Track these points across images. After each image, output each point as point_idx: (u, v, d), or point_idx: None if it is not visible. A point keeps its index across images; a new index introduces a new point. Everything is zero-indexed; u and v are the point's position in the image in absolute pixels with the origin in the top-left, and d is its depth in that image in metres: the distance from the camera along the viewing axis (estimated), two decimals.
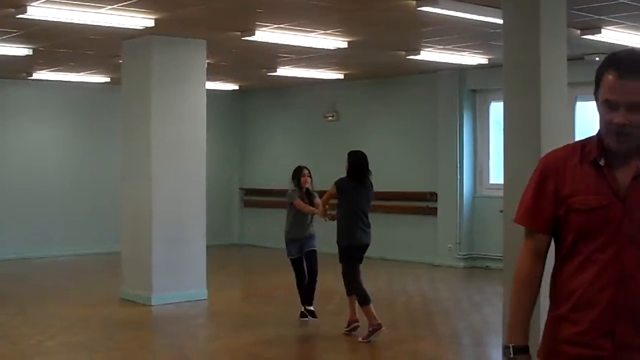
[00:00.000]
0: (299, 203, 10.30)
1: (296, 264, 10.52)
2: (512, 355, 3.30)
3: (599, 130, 3.17)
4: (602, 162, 3.11)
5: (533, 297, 3.31)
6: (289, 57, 13.99)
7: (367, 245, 9.87)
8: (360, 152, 10.00)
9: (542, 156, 3.41)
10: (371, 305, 9.51)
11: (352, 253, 9.74)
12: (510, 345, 3.31)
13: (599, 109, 3.10)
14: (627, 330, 3.04)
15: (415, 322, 10.98)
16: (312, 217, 10.52)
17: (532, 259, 3.29)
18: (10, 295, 13.04)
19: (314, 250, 10.50)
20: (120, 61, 12.88)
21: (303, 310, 10.56)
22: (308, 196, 10.52)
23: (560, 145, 3.39)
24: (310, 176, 10.64)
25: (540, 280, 3.31)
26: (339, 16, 10.58)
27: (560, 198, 3.16)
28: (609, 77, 3.03)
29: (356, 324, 9.73)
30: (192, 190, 12.34)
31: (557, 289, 3.22)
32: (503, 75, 8.04)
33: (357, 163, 9.83)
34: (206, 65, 12.62)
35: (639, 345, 3.06)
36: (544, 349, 3.28)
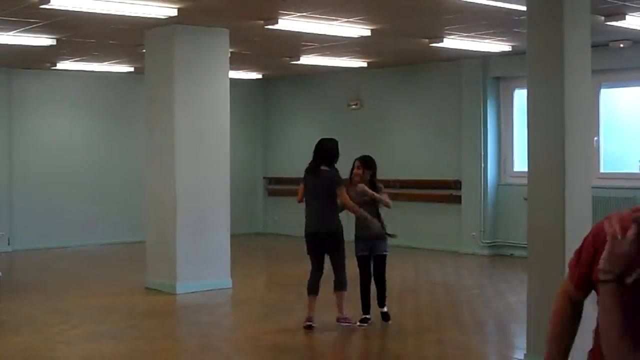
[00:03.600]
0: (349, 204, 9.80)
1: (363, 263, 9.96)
2: None
3: None
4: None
5: (568, 341, 3.26)
6: (312, 45, 13.97)
7: (313, 234, 9.68)
8: (320, 140, 10.06)
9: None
10: (311, 297, 9.67)
11: (306, 243, 9.81)
12: None
13: None
14: None
15: (440, 310, 10.97)
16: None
17: (568, 308, 3.26)
18: (35, 285, 13.13)
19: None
20: (144, 51, 12.90)
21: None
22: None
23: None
24: (362, 168, 9.90)
25: (576, 324, 3.26)
26: (363, 4, 10.55)
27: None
28: None
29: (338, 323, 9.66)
30: (216, 179, 12.36)
31: None
32: (527, 63, 7.99)
33: (314, 150, 9.87)
34: (229, 54, 12.62)
35: None
36: None
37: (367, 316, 9.83)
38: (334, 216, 9.59)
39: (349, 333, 9.45)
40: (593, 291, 3.09)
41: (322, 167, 9.64)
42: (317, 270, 9.72)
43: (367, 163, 9.90)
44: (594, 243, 3.08)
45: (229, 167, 12.63)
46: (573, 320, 3.27)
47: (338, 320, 9.63)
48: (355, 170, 9.87)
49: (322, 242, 9.62)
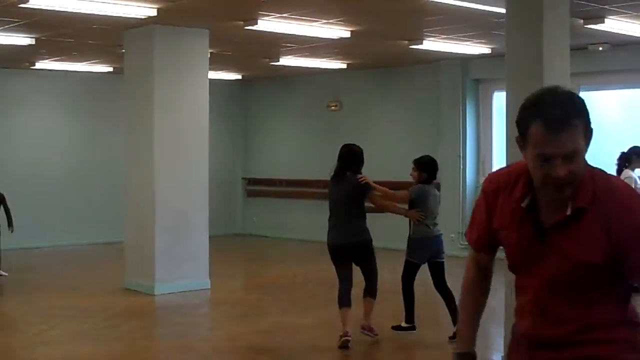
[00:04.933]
0: (410, 213, 9.79)
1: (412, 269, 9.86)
2: None
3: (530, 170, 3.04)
4: (524, 204, 3.04)
5: (477, 307, 3.41)
6: (291, 46, 13.98)
7: (339, 246, 9.16)
8: (345, 145, 9.40)
9: (487, 175, 3.40)
10: (344, 310, 9.12)
11: (331, 254, 9.30)
12: (456, 352, 3.40)
13: (529, 159, 2.94)
14: (542, 355, 3.09)
15: (418, 311, 10.96)
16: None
17: (475, 271, 3.40)
18: (13, 285, 13.07)
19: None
20: (123, 51, 12.88)
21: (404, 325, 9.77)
22: None
23: None
24: (418, 169, 9.87)
25: (486, 290, 3.42)
26: (342, 5, 10.56)
27: (493, 228, 3.20)
28: (538, 131, 2.84)
29: (362, 330, 9.29)
30: (195, 180, 12.35)
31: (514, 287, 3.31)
32: (506, 65, 8.02)
33: (339, 157, 9.28)
34: (209, 55, 12.62)
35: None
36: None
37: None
38: (363, 225, 9.17)
39: (330, 334, 9.44)
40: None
41: (348, 173, 9.14)
42: (345, 282, 9.19)
43: (422, 164, 9.79)
44: (486, 201, 3.23)
45: (208, 168, 12.62)
46: (480, 285, 3.40)
47: (363, 328, 9.23)
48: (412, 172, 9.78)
49: (350, 253, 9.17)
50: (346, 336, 8.93)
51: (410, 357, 9.09)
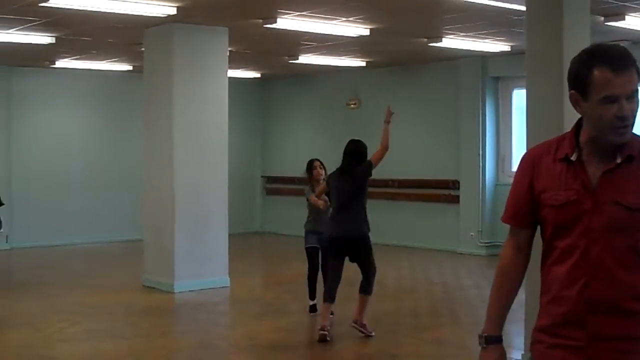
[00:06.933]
0: (314, 199, 10.14)
1: (312, 254, 10.30)
2: (484, 345, 3.37)
3: (577, 126, 3.21)
4: (573, 158, 3.14)
5: (510, 289, 3.40)
6: (311, 44, 13.98)
7: (340, 238, 9.24)
8: (352, 140, 9.51)
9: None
10: (327, 305, 9.23)
11: (330, 246, 9.42)
12: (484, 335, 3.38)
13: (591, 107, 3.07)
14: (600, 321, 3.06)
15: (437, 310, 10.97)
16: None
17: (512, 251, 3.37)
18: (34, 283, 13.13)
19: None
20: (143, 49, 12.90)
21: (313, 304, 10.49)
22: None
23: None
24: (324, 168, 10.46)
25: (521, 274, 3.40)
26: (361, 3, 10.55)
27: (536, 194, 3.22)
28: (604, 74, 3.01)
29: (353, 325, 9.38)
30: (214, 178, 12.37)
31: (541, 281, 3.29)
32: (526, 63, 8.00)
33: (347, 152, 9.39)
34: (228, 53, 12.62)
35: (615, 335, 3.07)
36: (531, 337, 3.34)
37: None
38: (365, 219, 9.22)
39: (346, 332, 9.43)
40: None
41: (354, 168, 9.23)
42: (336, 277, 9.27)
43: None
44: (527, 168, 3.28)
45: (227, 166, 12.63)
46: (516, 267, 3.38)
47: (356, 323, 9.29)
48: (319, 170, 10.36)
49: (348, 247, 9.20)
50: (324, 330, 9.08)
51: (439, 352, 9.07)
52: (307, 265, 10.39)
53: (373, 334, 9.30)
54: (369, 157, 9.24)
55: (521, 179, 3.29)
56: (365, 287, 9.30)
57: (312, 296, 10.47)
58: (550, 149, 3.24)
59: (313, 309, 10.42)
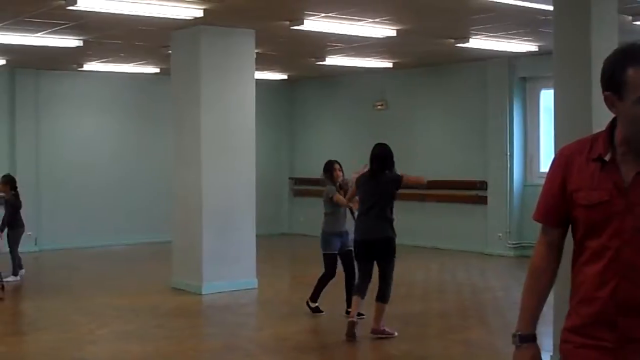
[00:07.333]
0: (338, 197, 10.18)
1: (331, 260, 10.40)
2: (518, 343, 3.34)
3: (611, 126, 3.16)
4: (607, 158, 3.09)
5: (542, 288, 3.37)
6: (337, 46, 13.98)
7: (366, 241, 9.29)
8: (379, 144, 9.49)
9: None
10: (357, 297, 9.39)
11: (357, 250, 9.48)
12: (517, 333, 3.35)
13: (627, 107, 3.02)
14: (631, 323, 3.03)
15: (466, 311, 10.94)
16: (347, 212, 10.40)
17: (544, 250, 3.34)
18: (63, 284, 13.21)
19: (350, 250, 10.07)
20: (170, 52, 12.95)
21: (315, 306, 10.58)
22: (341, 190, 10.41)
23: None
24: (342, 170, 10.54)
25: (553, 272, 3.37)
26: (388, 4, 10.55)
27: (568, 193, 3.19)
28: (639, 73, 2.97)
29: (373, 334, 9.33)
30: (242, 180, 12.39)
31: (572, 281, 3.26)
32: (553, 63, 7.96)
33: (375, 157, 9.39)
34: (255, 55, 12.64)
35: None
36: (560, 337, 3.32)
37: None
38: (391, 222, 9.23)
39: (374, 334, 9.42)
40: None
41: (384, 172, 9.27)
42: (366, 277, 9.35)
43: None
44: (560, 167, 3.26)
45: (255, 168, 12.65)
46: (548, 266, 3.35)
47: (373, 331, 9.25)
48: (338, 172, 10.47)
49: (374, 248, 9.22)
50: (353, 318, 9.19)
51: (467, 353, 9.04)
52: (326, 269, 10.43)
53: (396, 333, 9.30)
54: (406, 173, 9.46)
55: (553, 177, 3.26)
56: (382, 295, 9.26)
57: (315, 298, 10.55)
58: (584, 148, 3.20)
59: (317, 310, 10.54)
